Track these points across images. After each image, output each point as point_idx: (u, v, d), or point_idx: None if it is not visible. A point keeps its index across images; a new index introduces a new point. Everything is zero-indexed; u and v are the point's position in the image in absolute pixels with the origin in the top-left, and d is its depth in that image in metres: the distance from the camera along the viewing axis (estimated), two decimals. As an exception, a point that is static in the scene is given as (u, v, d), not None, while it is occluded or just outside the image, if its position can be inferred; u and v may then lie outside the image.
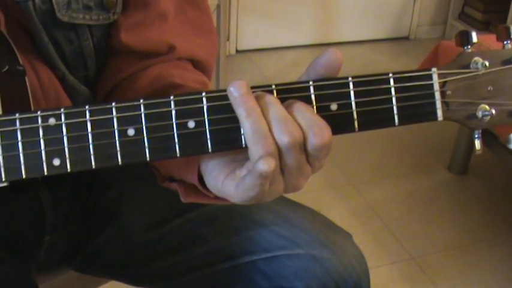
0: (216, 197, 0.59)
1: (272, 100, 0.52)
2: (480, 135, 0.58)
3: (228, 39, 2.91)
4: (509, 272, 1.72)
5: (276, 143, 0.51)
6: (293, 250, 0.75)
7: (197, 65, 0.77)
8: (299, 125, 0.51)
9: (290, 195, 0.72)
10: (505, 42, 0.57)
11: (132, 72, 0.73)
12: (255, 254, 0.76)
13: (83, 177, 0.80)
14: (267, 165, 0.49)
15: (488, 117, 0.57)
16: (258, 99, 0.51)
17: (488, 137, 1.84)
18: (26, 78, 0.60)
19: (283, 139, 0.50)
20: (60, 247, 0.81)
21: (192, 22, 0.77)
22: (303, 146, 0.52)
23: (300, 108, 0.52)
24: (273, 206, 0.80)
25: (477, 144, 0.58)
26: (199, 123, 0.53)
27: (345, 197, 2.00)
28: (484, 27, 3.02)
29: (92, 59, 0.71)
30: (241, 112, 0.51)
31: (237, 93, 0.51)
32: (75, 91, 0.70)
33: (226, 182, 0.55)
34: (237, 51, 2.99)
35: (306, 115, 0.51)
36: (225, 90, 0.53)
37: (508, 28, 0.57)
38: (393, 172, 2.15)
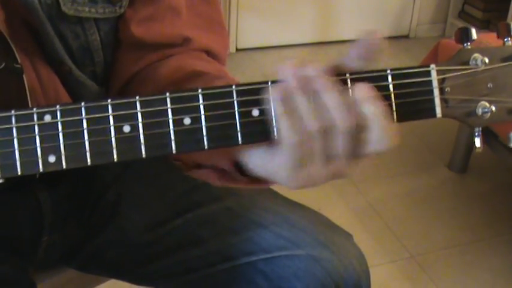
0: (250, 182, 0.60)
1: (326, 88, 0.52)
2: (480, 133, 0.57)
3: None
4: (509, 271, 1.72)
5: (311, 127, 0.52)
6: (293, 251, 0.75)
7: (213, 57, 0.76)
8: (363, 113, 0.52)
9: (291, 194, 0.72)
10: (505, 39, 0.56)
11: (148, 63, 0.72)
12: (255, 255, 0.75)
13: (82, 178, 0.80)
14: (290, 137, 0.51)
15: (488, 114, 0.56)
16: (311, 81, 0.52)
17: (488, 135, 1.84)
18: (24, 76, 0.60)
19: (314, 125, 0.51)
20: (59, 247, 0.80)
21: (203, 17, 0.76)
22: (358, 135, 0.52)
23: (369, 98, 0.52)
24: (272, 206, 0.79)
25: (477, 142, 0.57)
26: (195, 120, 0.53)
27: (345, 195, 2.00)
28: (484, 25, 3.02)
29: (99, 54, 0.71)
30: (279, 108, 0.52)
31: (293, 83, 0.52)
32: (83, 86, 0.70)
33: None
34: (236, 49, 2.98)
35: (375, 106, 0.52)
36: (220, 87, 0.53)
37: (508, 25, 0.56)
38: (393, 170, 2.15)
